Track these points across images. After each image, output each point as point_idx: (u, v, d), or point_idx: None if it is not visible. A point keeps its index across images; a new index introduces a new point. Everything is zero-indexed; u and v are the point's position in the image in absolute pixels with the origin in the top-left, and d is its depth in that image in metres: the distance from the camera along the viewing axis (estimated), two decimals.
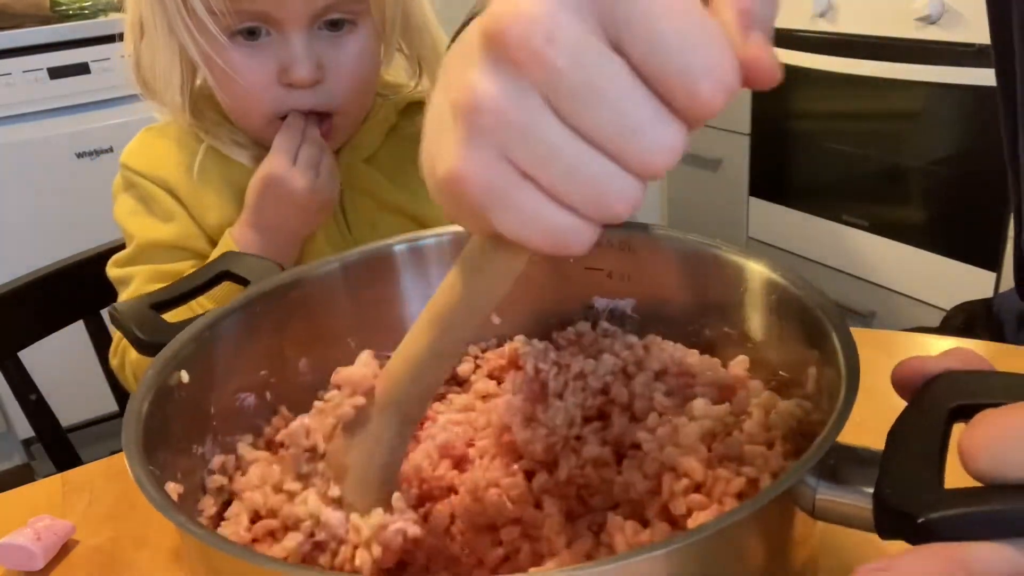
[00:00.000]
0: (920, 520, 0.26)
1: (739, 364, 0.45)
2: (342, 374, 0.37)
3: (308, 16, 0.66)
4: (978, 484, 0.26)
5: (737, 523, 0.28)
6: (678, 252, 0.48)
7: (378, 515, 0.35)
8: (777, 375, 0.43)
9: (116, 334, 0.76)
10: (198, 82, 0.73)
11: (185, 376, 0.41)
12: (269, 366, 0.47)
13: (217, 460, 0.43)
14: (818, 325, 0.38)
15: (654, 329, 0.50)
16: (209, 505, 0.41)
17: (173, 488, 0.36)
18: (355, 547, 0.35)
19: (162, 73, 0.70)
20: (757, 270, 0.44)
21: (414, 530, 0.35)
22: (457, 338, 0.34)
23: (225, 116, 0.75)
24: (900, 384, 0.32)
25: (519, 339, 0.50)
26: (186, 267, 0.73)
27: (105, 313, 0.88)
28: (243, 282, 0.50)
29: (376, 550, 0.34)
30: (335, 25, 0.68)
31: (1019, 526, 0.25)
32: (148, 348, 0.44)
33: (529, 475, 0.42)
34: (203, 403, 0.43)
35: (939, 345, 0.66)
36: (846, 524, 0.30)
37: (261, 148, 0.73)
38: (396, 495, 0.36)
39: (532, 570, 0.36)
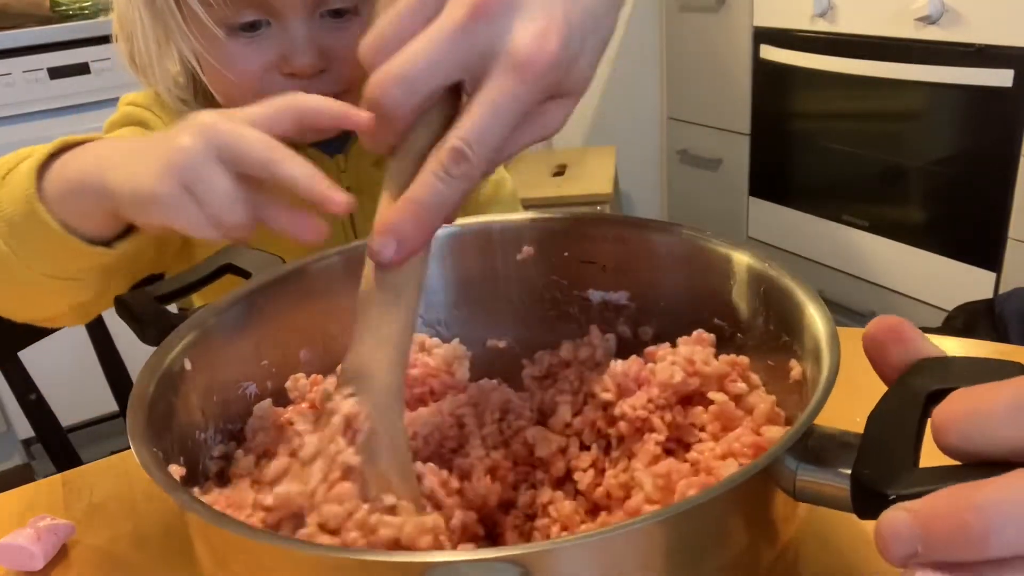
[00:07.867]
0: (891, 496, 0.26)
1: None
2: None
3: (308, 3, 0.65)
4: (954, 463, 0.26)
5: (716, 499, 0.29)
6: (670, 244, 0.49)
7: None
8: (766, 364, 0.44)
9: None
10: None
11: (188, 364, 0.42)
12: (270, 356, 0.48)
13: (219, 447, 0.44)
14: (804, 315, 0.39)
15: (649, 321, 0.51)
16: (211, 489, 0.41)
17: (176, 470, 0.37)
18: None
19: (163, 77, 0.70)
20: (744, 260, 0.45)
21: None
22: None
23: None
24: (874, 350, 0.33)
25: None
26: None
27: (105, 313, 0.88)
28: (245, 275, 0.50)
29: None
30: (337, 14, 0.67)
31: None
32: (152, 338, 0.45)
33: None
34: (207, 391, 0.44)
35: (940, 345, 0.66)
36: (827, 505, 0.30)
37: None
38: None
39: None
